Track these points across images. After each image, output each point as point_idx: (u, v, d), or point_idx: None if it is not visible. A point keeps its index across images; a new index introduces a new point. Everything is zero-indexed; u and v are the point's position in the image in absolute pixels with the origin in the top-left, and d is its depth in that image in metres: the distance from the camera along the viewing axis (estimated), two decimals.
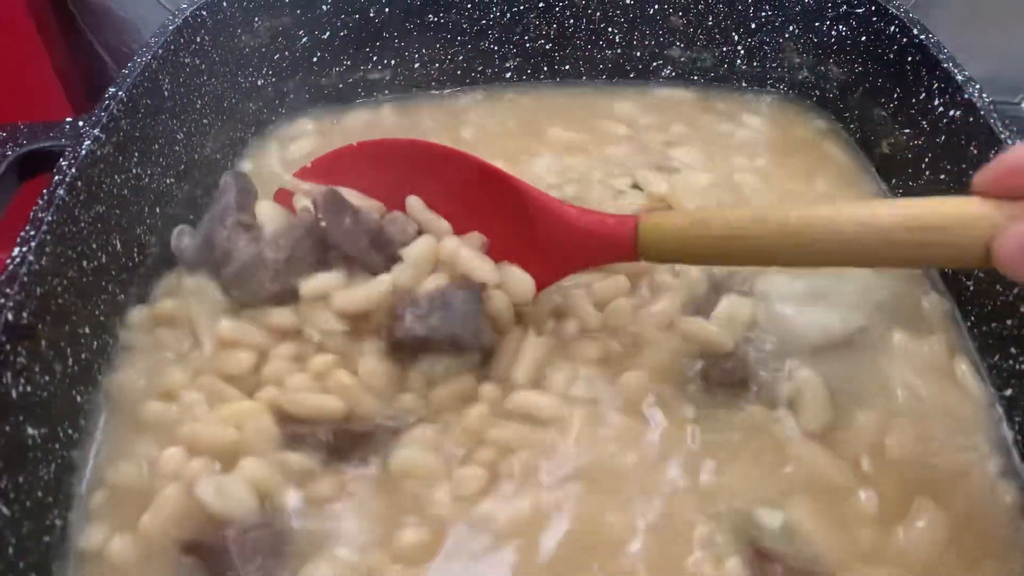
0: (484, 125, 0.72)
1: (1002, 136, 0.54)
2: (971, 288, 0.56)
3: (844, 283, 0.55)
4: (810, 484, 0.46)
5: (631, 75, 0.76)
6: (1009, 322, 0.52)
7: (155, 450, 0.48)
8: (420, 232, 0.54)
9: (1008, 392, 0.51)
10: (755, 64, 0.74)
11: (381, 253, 0.52)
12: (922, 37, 0.63)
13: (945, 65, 0.60)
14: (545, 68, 0.76)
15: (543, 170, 0.66)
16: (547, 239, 0.50)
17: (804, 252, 0.42)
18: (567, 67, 0.76)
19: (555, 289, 0.53)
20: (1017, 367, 0.51)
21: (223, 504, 0.44)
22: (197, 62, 0.65)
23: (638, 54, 0.75)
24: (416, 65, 0.75)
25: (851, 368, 0.52)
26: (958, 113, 0.59)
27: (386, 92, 0.75)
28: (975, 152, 0.56)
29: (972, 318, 0.56)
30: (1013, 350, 0.51)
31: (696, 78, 0.76)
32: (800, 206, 0.43)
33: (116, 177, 0.55)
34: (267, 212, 0.55)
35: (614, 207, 0.60)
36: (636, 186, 0.63)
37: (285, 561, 0.43)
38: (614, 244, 0.48)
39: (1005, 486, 0.47)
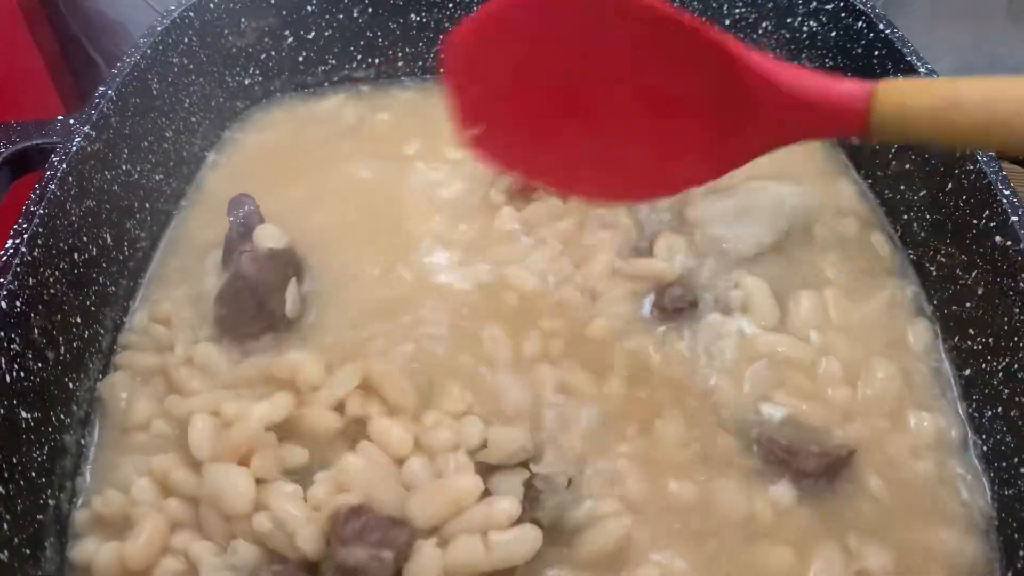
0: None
1: None
2: (934, 273, 0.58)
3: (761, 197, 0.61)
4: (782, 370, 0.54)
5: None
6: (968, 304, 0.54)
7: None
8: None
9: (967, 372, 0.53)
10: None
11: None
12: (888, 32, 0.65)
13: (909, 58, 0.62)
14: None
15: None
16: (740, 109, 0.41)
17: None
18: None
19: None
20: (974, 348, 0.53)
21: None
22: (185, 62, 0.67)
23: None
24: (400, 63, 0.77)
25: (785, 265, 0.60)
26: None
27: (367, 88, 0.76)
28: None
29: (935, 302, 0.58)
30: (972, 331, 0.53)
31: None
32: None
33: (106, 173, 0.57)
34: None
35: None
36: None
37: None
38: (842, 116, 0.39)
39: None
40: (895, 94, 0.38)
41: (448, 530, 0.43)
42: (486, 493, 0.44)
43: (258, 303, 0.54)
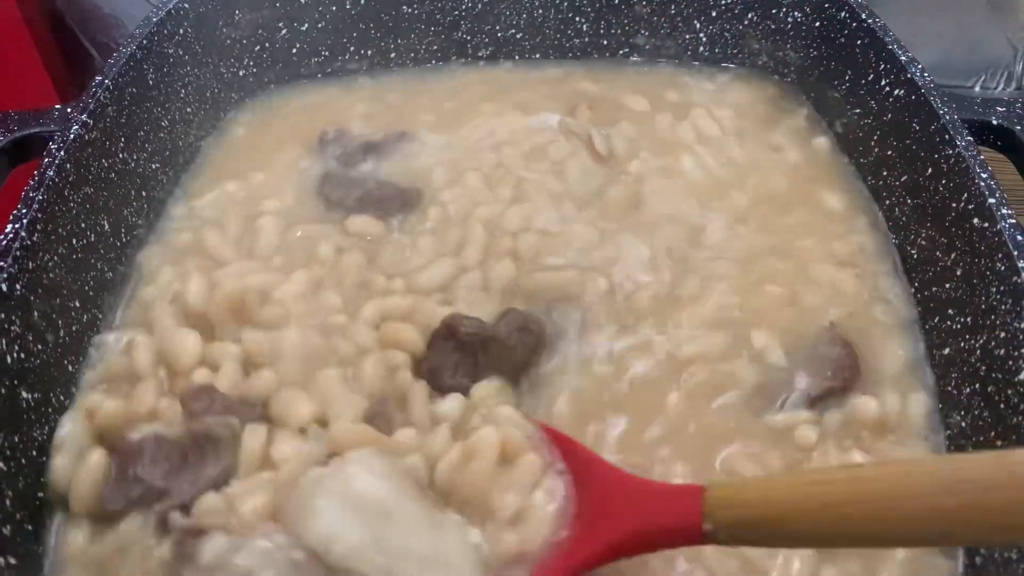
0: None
1: (940, 112, 0.58)
2: (915, 256, 0.60)
3: None
4: None
5: (599, 63, 0.79)
6: (948, 285, 0.55)
7: None
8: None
9: (946, 351, 0.55)
10: (717, 50, 0.78)
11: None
12: (870, 22, 0.66)
13: (890, 47, 0.64)
14: (516, 56, 0.79)
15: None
16: (602, 510, 0.41)
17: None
18: (537, 55, 0.79)
19: None
20: (953, 327, 0.54)
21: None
22: (180, 53, 0.68)
23: (605, 42, 0.78)
24: (392, 55, 0.78)
25: None
26: (901, 92, 0.62)
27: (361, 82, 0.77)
28: (916, 128, 0.60)
29: (916, 284, 0.59)
30: (951, 311, 0.55)
31: (662, 63, 0.79)
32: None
33: (103, 161, 0.58)
34: None
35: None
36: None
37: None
38: (677, 520, 0.37)
39: None
40: (719, 505, 0.36)
41: None
42: None
43: None
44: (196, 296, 0.54)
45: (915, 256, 0.60)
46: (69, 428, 0.48)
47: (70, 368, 0.52)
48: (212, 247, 0.60)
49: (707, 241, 0.62)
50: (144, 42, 0.63)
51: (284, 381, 0.50)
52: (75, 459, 0.46)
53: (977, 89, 0.92)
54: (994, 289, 0.50)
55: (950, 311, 0.55)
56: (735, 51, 0.77)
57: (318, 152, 0.68)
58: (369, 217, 0.62)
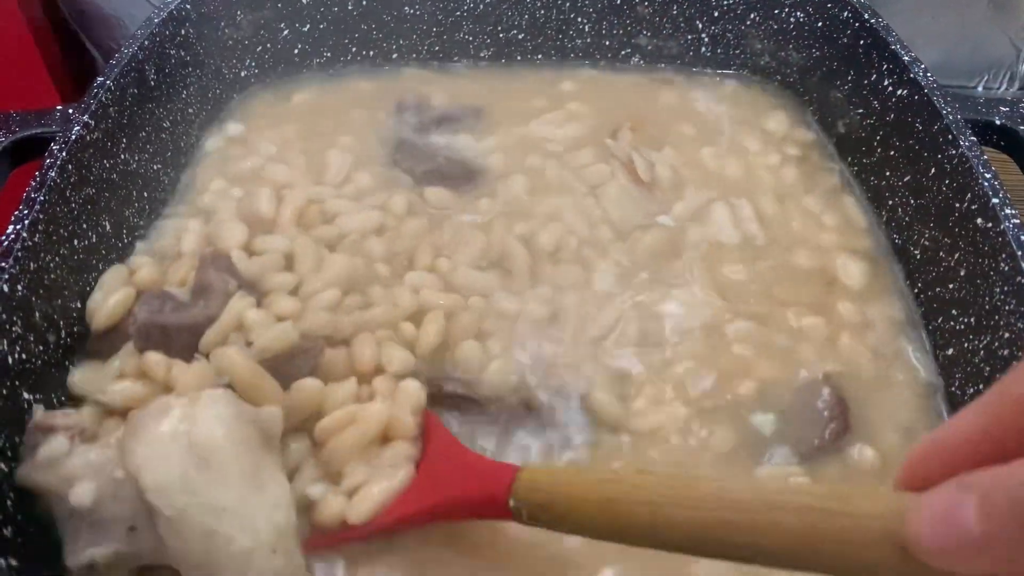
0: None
1: (943, 112, 0.57)
2: (918, 256, 0.60)
3: None
4: None
5: (600, 62, 0.79)
6: (951, 286, 0.55)
7: None
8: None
9: (950, 352, 0.55)
10: (719, 51, 0.77)
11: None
12: (872, 21, 0.66)
13: (893, 47, 0.63)
14: (518, 57, 0.79)
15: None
16: (436, 475, 0.45)
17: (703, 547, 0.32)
18: (539, 56, 0.79)
19: None
20: (957, 328, 0.54)
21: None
22: (182, 53, 0.68)
23: (607, 43, 0.78)
24: (394, 56, 0.78)
25: None
26: (904, 92, 0.62)
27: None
28: (919, 128, 0.60)
29: (919, 284, 0.59)
30: (955, 311, 0.55)
31: (663, 65, 0.79)
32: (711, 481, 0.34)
33: (105, 162, 0.58)
34: None
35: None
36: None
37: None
38: (488, 493, 0.41)
39: None
40: (524, 486, 0.39)
41: None
42: None
43: None
44: (266, 202, 0.60)
45: (918, 256, 0.60)
46: (111, 275, 0.55)
47: (71, 369, 0.52)
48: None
49: None
50: (146, 43, 0.63)
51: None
52: (107, 294, 0.53)
53: (980, 89, 0.92)
54: (998, 289, 0.50)
55: (954, 311, 0.55)
56: (737, 51, 0.77)
57: (395, 118, 0.71)
58: (444, 190, 0.64)
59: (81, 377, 0.51)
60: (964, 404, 0.51)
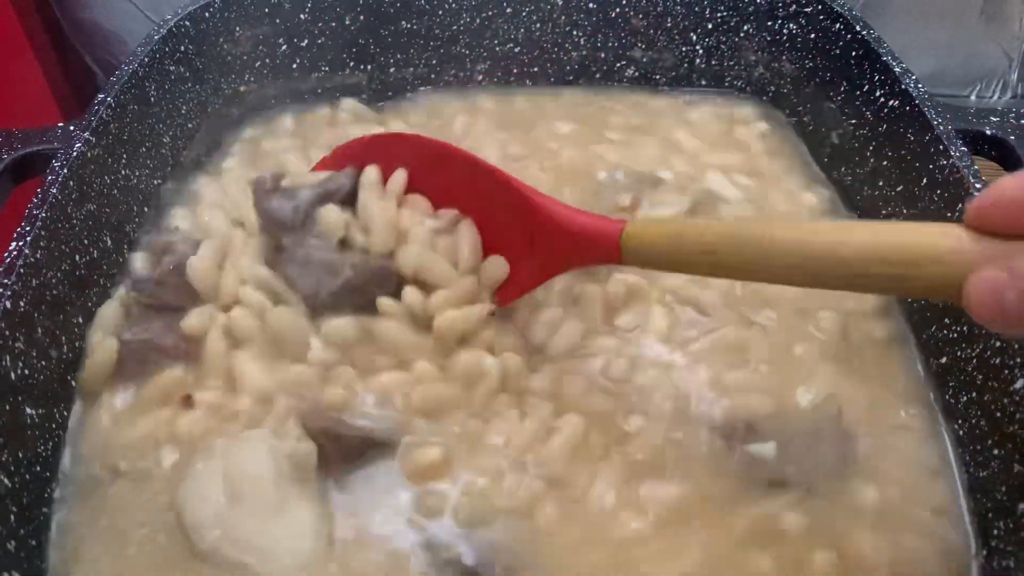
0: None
1: (934, 123, 0.58)
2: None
3: None
4: None
5: (596, 76, 0.80)
6: None
7: None
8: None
9: (943, 360, 0.55)
10: (713, 63, 0.78)
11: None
12: (864, 33, 0.67)
13: (885, 59, 0.64)
14: (515, 70, 0.79)
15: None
16: (539, 237, 0.51)
17: (778, 273, 0.40)
18: (535, 69, 0.79)
19: None
20: (950, 336, 0.55)
21: None
22: (181, 70, 0.69)
23: (602, 55, 0.79)
24: (391, 70, 0.78)
25: None
26: (896, 103, 0.62)
27: (363, 96, 0.78)
28: (911, 138, 0.60)
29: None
30: (947, 320, 0.55)
31: (659, 77, 0.80)
32: (782, 224, 0.41)
33: (106, 178, 0.59)
34: None
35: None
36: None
37: None
38: (601, 246, 0.47)
39: None
40: (638, 226, 0.46)
41: None
42: None
43: None
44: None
45: None
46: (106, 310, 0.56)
47: (73, 384, 0.52)
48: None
49: None
50: (146, 59, 0.64)
51: None
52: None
53: (973, 98, 0.93)
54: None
55: (946, 320, 0.55)
56: (731, 63, 0.78)
57: None
58: None
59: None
60: (957, 414, 0.52)
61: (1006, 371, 0.48)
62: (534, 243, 0.52)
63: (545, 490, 0.48)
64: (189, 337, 0.54)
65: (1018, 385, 0.47)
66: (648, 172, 0.67)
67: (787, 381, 0.55)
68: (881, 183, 0.64)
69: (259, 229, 0.58)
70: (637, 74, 0.79)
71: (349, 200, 0.57)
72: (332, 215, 0.55)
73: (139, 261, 0.58)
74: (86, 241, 0.56)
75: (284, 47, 0.76)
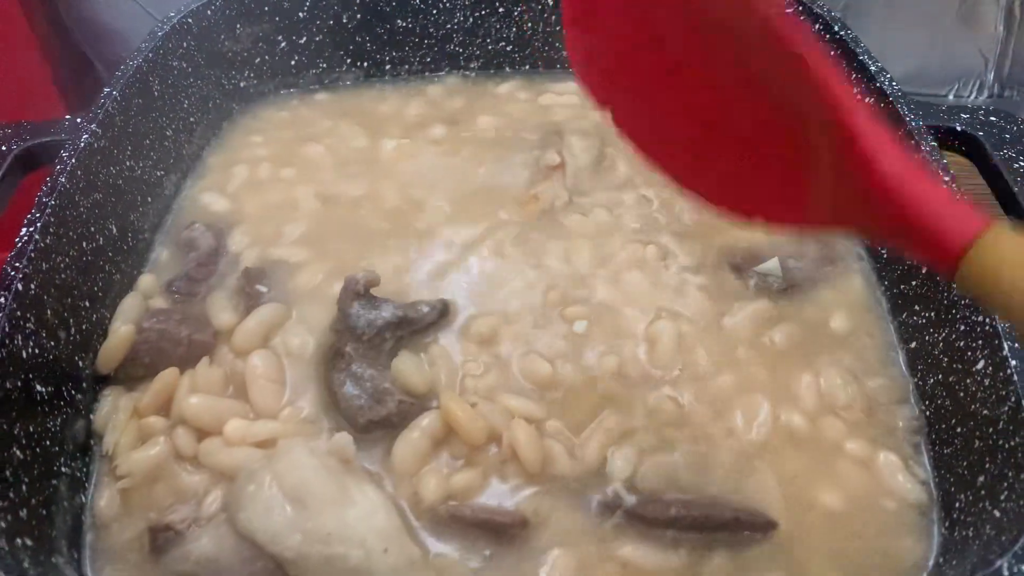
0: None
1: (907, 119, 0.61)
2: (885, 255, 0.63)
3: None
4: None
5: None
6: (914, 283, 0.58)
7: None
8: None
9: (913, 345, 0.58)
10: None
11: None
12: (842, 33, 0.69)
13: (861, 58, 0.67)
14: (507, 68, 0.82)
15: None
16: (840, 175, 0.35)
17: None
18: (527, 67, 0.82)
19: None
20: (919, 322, 0.57)
21: None
22: (184, 65, 0.71)
23: None
24: (387, 67, 0.81)
25: None
26: (871, 100, 0.65)
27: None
28: None
29: (886, 283, 0.62)
30: (917, 307, 0.58)
31: None
32: None
33: (111, 168, 0.61)
34: None
35: None
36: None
37: None
38: (930, 240, 0.32)
39: None
40: (1003, 248, 0.31)
41: None
42: None
43: None
44: None
45: (885, 256, 0.63)
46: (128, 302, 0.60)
47: (80, 364, 0.55)
48: None
49: None
50: (150, 55, 0.67)
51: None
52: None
53: (951, 97, 0.96)
54: (954, 285, 0.53)
55: (916, 307, 0.58)
56: None
57: None
58: None
59: (101, 418, 0.54)
60: (925, 395, 0.55)
61: (969, 353, 0.51)
62: (826, 172, 0.35)
63: None
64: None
65: (979, 366, 0.50)
66: None
67: None
68: None
69: (330, 327, 0.58)
70: None
71: (429, 332, 0.59)
72: (409, 367, 0.55)
73: (166, 257, 0.63)
74: (92, 229, 0.58)
75: (283, 44, 0.78)
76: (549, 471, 0.51)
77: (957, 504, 0.49)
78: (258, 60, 0.78)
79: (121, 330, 0.56)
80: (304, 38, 0.78)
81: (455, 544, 0.48)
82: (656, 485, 0.51)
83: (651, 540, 0.49)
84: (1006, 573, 0.39)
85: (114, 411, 0.54)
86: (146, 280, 0.62)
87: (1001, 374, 0.47)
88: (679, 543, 0.48)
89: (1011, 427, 0.46)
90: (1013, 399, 0.46)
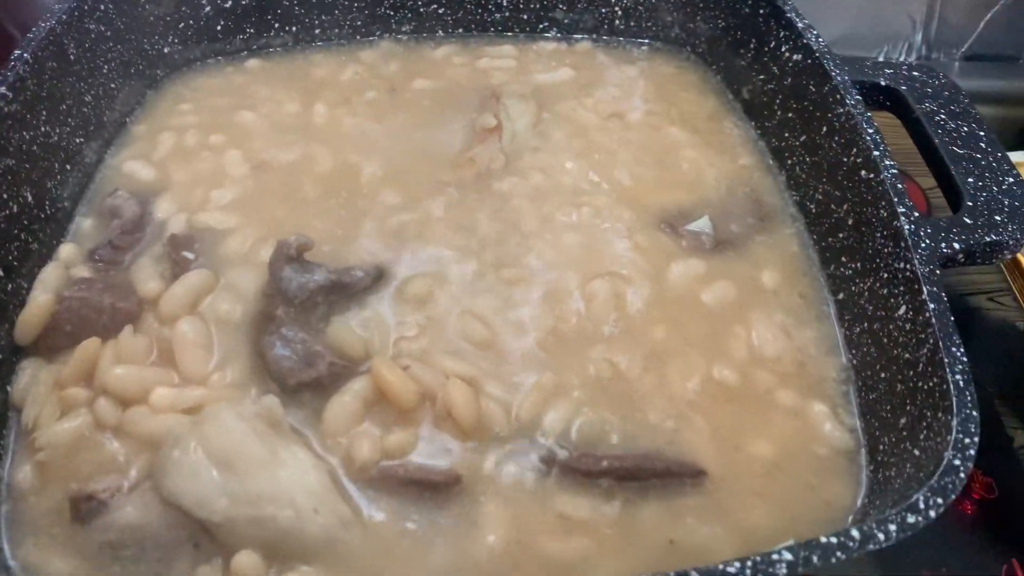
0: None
1: (833, 74, 0.61)
2: (814, 210, 0.64)
3: None
4: None
5: (520, 36, 0.81)
6: (841, 235, 0.59)
7: None
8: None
9: (840, 296, 0.59)
10: (632, 24, 0.81)
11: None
12: None
13: (789, 15, 0.67)
14: (439, 32, 0.81)
15: None
16: None
17: None
18: (460, 30, 0.81)
19: None
20: (846, 273, 0.58)
21: None
22: (102, 28, 0.69)
23: (524, 16, 0.81)
24: (317, 31, 0.79)
25: None
26: (799, 57, 0.66)
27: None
28: (812, 90, 0.64)
29: (814, 236, 0.63)
30: (844, 259, 0.59)
31: (580, 38, 0.82)
32: None
33: (24, 134, 0.59)
34: None
35: None
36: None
37: None
38: None
39: None
40: None
41: None
42: None
43: None
44: None
45: (814, 211, 0.64)
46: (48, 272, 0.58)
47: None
48: None
49: None
50: (64, 17, 0.64)
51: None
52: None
53: (881, 59, 0.97)
54: (879, 235, 0.54)
55: (843, 259, 0.59)
56: (649, 24, 0.81)
57: None
58: None
59: (20, 391, 0.53)
60: (852, 344, 0.56)
61: (892, 299, 0.52)
62: None
63: None
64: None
65: (901, 311, 0.51)
66: None
67: None
68: (787, 134, 0.68)
69: (261, 291, 0.57)
70: (559, 35, 0.82)
71: (363, 296, 0.57)
72: (343, 331, 0.55)
73: (88, 226, 0.59)
74: (5, 196, 0.56)
75: (208, 8, 0.76)
76: (484, 429, 0.51)
77: (881, 447, 0.50)
78: (182, 25, 0.75)
79: (40, 299, 0.54)
80: (229, 2, 0.76)
81: (389, 503, 0.48)
82: (591, 440, 0.51)
83: (586, 492, 0.49)
84: (922, 506, 0.40)
85: (33, 383, 0.52)
86: (67, 249, 0.60)
87: (920, 317, 0.49)
88: (613, 494, 0.49)
89: (930, 368, 0.47)
90: (932, 341, 0.47)
